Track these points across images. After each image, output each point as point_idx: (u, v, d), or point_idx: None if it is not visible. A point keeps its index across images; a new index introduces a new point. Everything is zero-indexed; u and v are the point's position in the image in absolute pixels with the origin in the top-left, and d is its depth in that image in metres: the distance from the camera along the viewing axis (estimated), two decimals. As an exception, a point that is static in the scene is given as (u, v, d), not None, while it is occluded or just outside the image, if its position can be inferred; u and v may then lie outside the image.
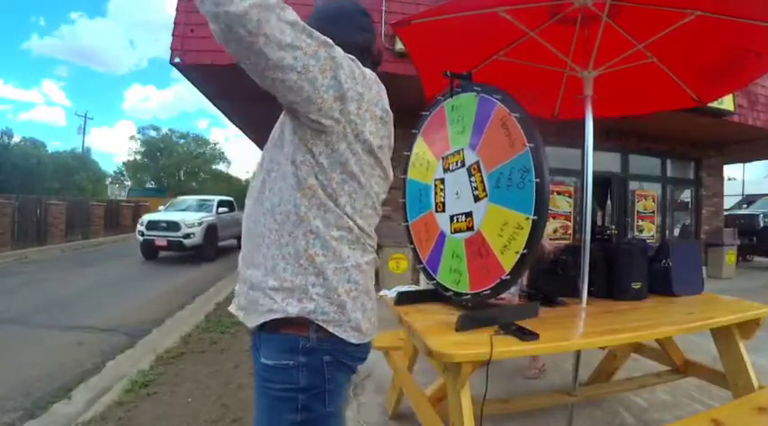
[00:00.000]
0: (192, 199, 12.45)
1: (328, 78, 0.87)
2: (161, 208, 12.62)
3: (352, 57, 0.95)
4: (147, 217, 10.30)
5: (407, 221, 2.19)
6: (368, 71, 0.99)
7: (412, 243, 2.17)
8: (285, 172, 0.96)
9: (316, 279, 0.94)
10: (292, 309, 0.93)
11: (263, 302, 0.96)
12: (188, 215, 10.39)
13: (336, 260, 0.95)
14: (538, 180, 1.50)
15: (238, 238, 14.67)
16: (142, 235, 9.82)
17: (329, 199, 0.95)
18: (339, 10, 1.10)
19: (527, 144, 1.54)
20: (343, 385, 1.01)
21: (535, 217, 1.50)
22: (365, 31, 1.10)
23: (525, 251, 1.52)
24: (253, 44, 0.78)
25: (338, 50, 0.90)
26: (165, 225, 9.81)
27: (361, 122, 0.94)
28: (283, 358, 0.94)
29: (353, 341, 0.96)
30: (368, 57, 1.08)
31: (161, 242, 9.67)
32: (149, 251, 9.98)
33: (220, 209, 11.47)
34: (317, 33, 0.86)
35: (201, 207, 11.43)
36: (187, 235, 9.70)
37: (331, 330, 0.94)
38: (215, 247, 10.60)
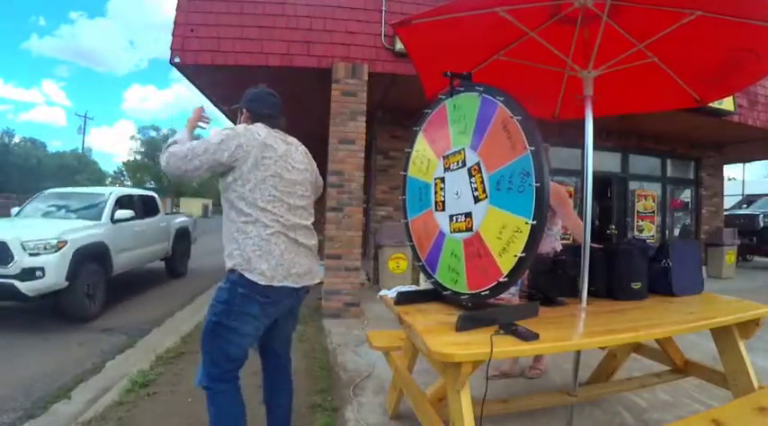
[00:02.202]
0: (68, 193, 6.38)
1: (217, 154, 1.67)
2: (14, 210, 6.18)
3: (245, 125, 1.82)
4: None
5: (407, 218, 2.20)
6: (256, 127, 1.79)
7: (411, 240, 2.17)
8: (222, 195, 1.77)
9: (236, 245, 1.67)
10: (229, 264, 1.69)
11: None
12: (37, 227, 4.75)
13: (243, 234, 1.67)
14: (538, 184, 1.50)
15: (167, 260, 7.80)
16: None
17: (237, 201, 1.69)
18: (256, 95, 1.93)
19: (528, 147, 1.54)
20: (250, 313, 1.66)
21: (534, 222, 1.50)
22: (272, 106, 1.91)
23: (523, 254, 1.52)
24: (178, 169, 1.70)
25: (222, 134, 1.70)
26: None
27: (246, 156, 1.69)
28: (224, 284, 1.70)
29: (260, 282, 1.64)
30: (273, 118, 1.89)
31: None
32: None
33: (119, 214, 5.65)
34: (202, 144, 1.69)
35: (80, 209, 5.69)
36: (28, 272, 4.22)
37: (246, 275, 1.64)
38: (98, 292, 4.95)
